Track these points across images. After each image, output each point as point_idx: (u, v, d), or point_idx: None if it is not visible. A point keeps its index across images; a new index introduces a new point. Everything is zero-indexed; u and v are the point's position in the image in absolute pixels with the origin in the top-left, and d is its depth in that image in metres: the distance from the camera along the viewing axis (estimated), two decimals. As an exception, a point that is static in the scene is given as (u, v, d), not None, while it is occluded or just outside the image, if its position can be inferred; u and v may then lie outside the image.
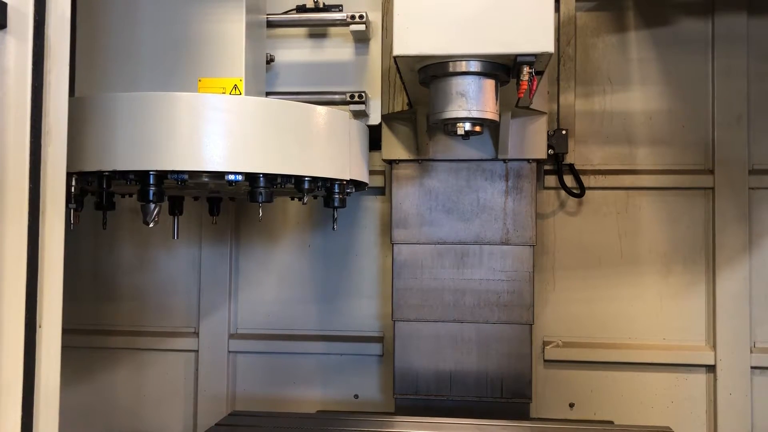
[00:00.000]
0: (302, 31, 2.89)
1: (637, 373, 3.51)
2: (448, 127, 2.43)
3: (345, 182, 2.43)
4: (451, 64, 2.31)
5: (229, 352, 3.69)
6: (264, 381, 3.72)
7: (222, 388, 3.68)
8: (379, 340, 3.63)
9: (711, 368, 3.45)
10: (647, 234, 3.55)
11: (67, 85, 1.51)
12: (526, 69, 2.22)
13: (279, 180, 2.21)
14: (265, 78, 2.74)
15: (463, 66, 2.31)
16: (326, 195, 2.50)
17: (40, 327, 1.43)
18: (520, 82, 2.24)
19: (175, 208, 2.91)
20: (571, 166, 3.50)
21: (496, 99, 2.40)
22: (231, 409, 3.65)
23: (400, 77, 2.53)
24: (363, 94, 2.75)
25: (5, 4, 1.40)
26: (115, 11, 2.44)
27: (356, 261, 3.71)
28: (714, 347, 3.44)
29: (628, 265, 3.55)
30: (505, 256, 3.17)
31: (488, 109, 2.36)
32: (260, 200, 2.18)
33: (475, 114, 2.35)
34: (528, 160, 3.16)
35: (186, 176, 2.08)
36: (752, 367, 3.41)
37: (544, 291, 3.57)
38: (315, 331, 3.71)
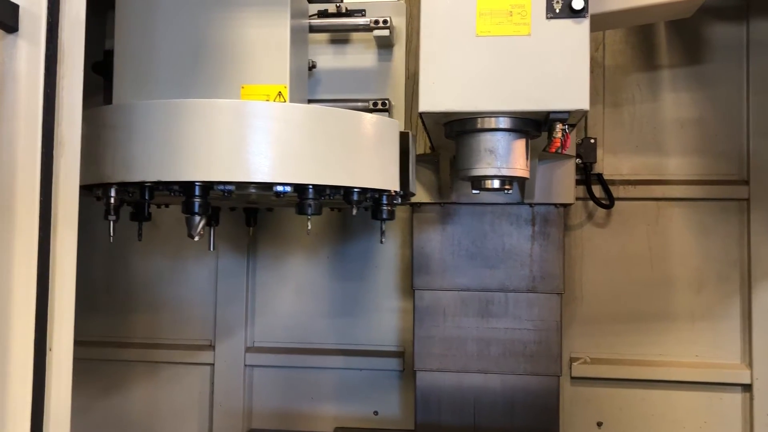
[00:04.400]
0: (324, 36, 2.80)
1: (668, 391, 3.39)
2: (477, 183, 2.34)
3: (393, 193, 2.32)
4: (479, 120, 2.22)
5: (246, 365, 3.60)
6: (281, 396, 3.62)
7: (238, 403, 3.58)
8: (400, 354, 3.53)
9: (747, 387, 3.32)
10: (678, 247, 3.43)
11: (81, 93, 1.42)
12: (559, 126, 2.12)
13: (328, 191, 2.10)
14: (307, 85, 2.63)
15: (492, 123, 2.22)
16: (374, 207, 2.37)
17: (50, 350, 1.34)
18: (553, 139, 2.14)
19: (212, 218, 2.83)
20: (599, 176, 3.39)
21: (527, 155, 2.29)
22: (247, 424, 3.56)
23: (425, 128, 2.43)
24: (387, 101, 2.66)
25: (17, 6, 1.32)
26: (156, 16, 2.34)
27: (376, 272, 3.61)
28: (750, 365, 3.30)
29: (658, 278, 3.43)
30: (532, 305, 3.06)
31: (518, 167, 2.26)
32: (309, 212, 2.06)
33: (504, 172, 2.25)
34: (555, 205, 3.06)
35: (233, 187, 1.97)
36: (790, 387, 3.27)
37: (572, 305, 3.45)
38: (333, 345, 3.61)
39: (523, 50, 2.11)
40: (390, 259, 3.60)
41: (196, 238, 2.04)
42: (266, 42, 2.29)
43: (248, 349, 3.62)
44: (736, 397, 3.35)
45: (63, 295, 1.37)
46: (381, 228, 2.47)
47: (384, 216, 2.34)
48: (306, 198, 2.05)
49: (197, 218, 2.01)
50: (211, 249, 2.78)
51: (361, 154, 2.11)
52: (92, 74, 2.61)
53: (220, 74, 2.30)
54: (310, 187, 2.03)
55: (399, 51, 2.78)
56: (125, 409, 3.72)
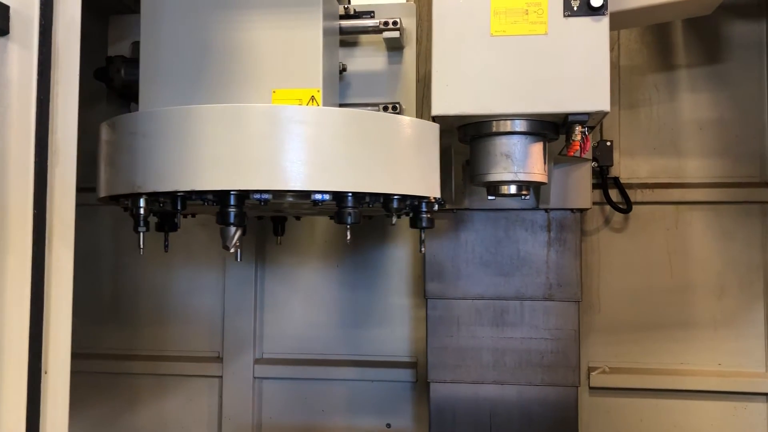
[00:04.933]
0: (332, 39, 2.72)
1: (690, 401, 3.29)
2: (493, 189, 2.25)
3: (433, 200, 2.21)
4: (494, 123, 2.13)
5: (255, 378, 3.52)
6: (291, 408, 3.54)
7: (247, 416, 3.50)
8: (413, 365, 3.44)
9: (772, 397, 3.22)
10: (699, 252, 3.33)
11: (77, 99, 1.34)
12: (578, 128, 2.04)
13: (367, 199, 2.00)
14: (338, 89, 2.53)
15: (508, 126, 2.13)
16: (413, 214, 2.26)
17: (45, 373, 1.26)
18: (572, 142, 2.05)
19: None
20: (616, 179, 3.30)
21: (544, 159, 2.20)
22: (256, 438, 3.48)
23: None
24: (397, 105, 2.57)
25: (7, 7, 1.24)
26: (183, 20, 2.24)
27: (387, 281, 3.52)
28: (775, 374, 3.20)
29: (678, 284, 3.33)
30: (548, 313, 2.98)
31: (536, 171, 2.17)
32: (349, 221, 1.96)
33: (522, 177, 2.15)
34: (572, 210, 2.97)
35: (269, 196, 1.88)
36: (818, 396, 3.16)
37: (589, 313, 3.35)
38: (344, 356, 3.52)
39: (540, 50, 2.03)
40: (402, 267, 3.51)
41: (232, 250, 1.94)
42: (298, 44, 2.18)
43: (257, 361, 3.53)
44: (761, 407, 3.25)
45: (59, 315, 1.29)
46: (420, 237, 2.35)
47: (424, 224, 2.22)
48: (345, 206, 1.95)
49: (232, 229, 1.90)
50: (238, 260, 2.67)
51: (402, 159, 2.01)
52: (93, 81, 2.54)
53: (251, 78, 2.20)
54: (350, 194, 1.93)
55: (409, 53, 2.69)
56: (132, 423, 3.64)
